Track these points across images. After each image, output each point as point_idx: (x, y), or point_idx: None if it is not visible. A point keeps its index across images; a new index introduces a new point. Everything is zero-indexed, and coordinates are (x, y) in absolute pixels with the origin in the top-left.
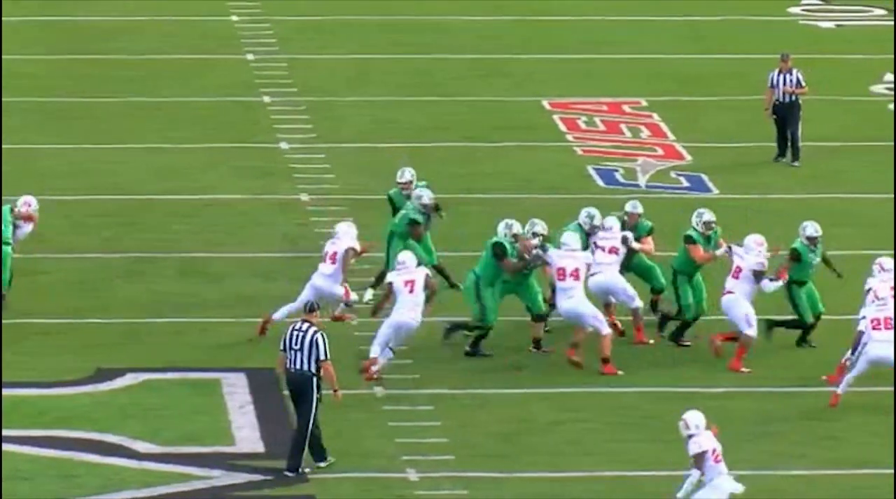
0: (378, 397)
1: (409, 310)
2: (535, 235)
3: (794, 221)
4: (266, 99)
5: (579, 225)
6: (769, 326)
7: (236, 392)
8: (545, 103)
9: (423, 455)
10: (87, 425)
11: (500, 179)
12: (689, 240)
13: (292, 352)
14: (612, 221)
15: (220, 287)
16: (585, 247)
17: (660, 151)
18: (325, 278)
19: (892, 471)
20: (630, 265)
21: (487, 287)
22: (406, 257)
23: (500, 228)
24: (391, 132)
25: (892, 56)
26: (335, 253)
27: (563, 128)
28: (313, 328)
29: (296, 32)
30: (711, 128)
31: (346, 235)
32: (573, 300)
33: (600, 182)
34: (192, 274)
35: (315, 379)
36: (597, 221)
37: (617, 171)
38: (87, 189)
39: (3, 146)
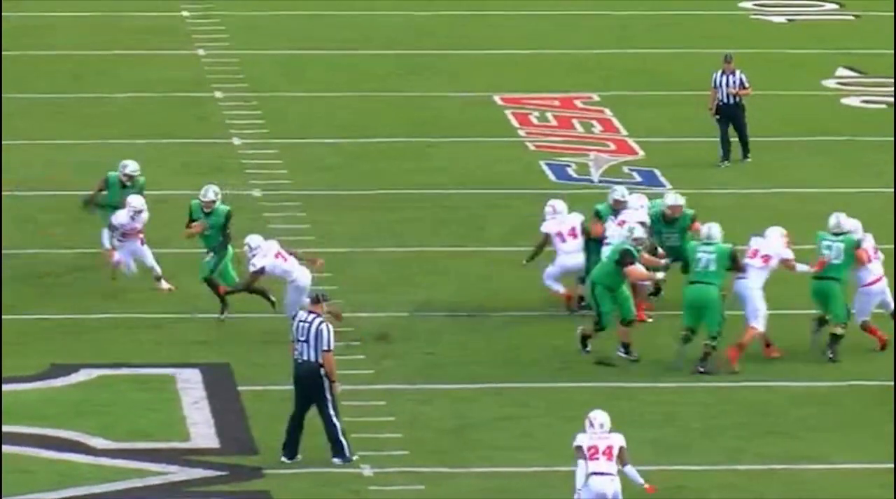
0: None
1: (296, 278)
2: (637, 239)
3: (747, 216)
4: (218, 94)
5: (609, 207)
6: None
7: (190, 388)
8: (497, 98)
9: (376, 451)
10: (42, 421)
11: (453, 175)
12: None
13: (300, 343)
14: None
15: (173, 283)
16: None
17: (612, 146)
18: (572, 256)
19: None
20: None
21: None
22: (251, 240)
23: (625, 231)
24: (343, 128)
25: (844, 51)
26: (573, 228)
27: (515, 123)
28: (318, 319)
29: (247, 28)
30: (664, 123)
31: (569, 214)
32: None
33: (553, 177)
34: (146, 270)
35: (322, 370)
36: (617, 196)
37: (569, 166)
38: (39, 184)
39: None
